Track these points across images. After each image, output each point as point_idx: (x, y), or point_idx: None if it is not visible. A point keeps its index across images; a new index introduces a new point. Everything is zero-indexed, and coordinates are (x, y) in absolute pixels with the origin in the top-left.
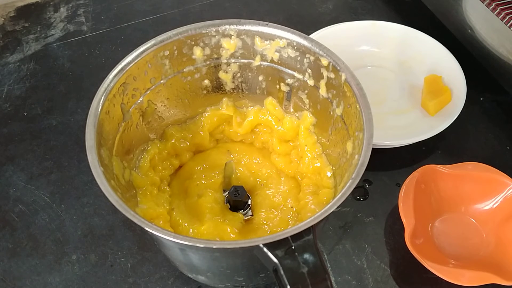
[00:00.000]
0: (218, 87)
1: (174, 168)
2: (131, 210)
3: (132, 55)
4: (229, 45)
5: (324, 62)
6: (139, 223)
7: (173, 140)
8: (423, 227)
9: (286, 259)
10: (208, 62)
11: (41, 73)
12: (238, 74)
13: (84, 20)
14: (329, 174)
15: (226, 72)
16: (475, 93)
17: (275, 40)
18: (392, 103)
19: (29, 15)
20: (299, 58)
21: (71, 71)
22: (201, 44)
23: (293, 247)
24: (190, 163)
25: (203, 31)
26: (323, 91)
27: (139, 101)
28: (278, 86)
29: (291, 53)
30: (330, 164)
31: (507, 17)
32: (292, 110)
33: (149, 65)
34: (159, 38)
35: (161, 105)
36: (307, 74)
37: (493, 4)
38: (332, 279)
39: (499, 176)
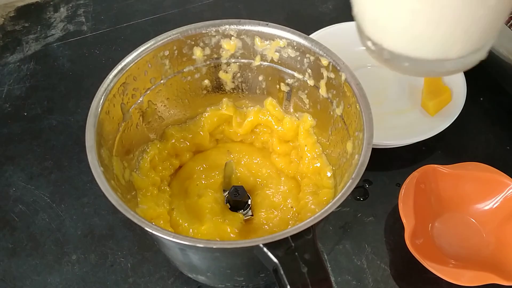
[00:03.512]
0: (218, 87)
1: (174, 168)
2: (131, 210)
3: (132, 55)
4: (229, 46)
5: (324, 62)
6: (139, 223)
7: (173, 140)
8: (423, 227)
9: (286, 259)
10: (208, 62)
11: (41, 73)
12: (238, 74)
13: (84, 20)
14: (329, 174)
15: (226, 72)
16: (475, 93)
17: (275, 40)
18: (392, 103)
19: (29, 15)
20: (299, 58)
21: (71, 71)
22: (201, 44)
23: (293, 247)
24: (190, 163)
25: (203, 31)
26: (323, 91)
27: (139, 101)
28: (278, 86)
29: (291, 53)
30: (330, 164)
31: (507, 17)
32: (292, 110)
33: (149, 65)
34: (159, 38)
35: (161, 105)
36: (307, 74)
37: None
38: (332, 279)
39: (499, 176)
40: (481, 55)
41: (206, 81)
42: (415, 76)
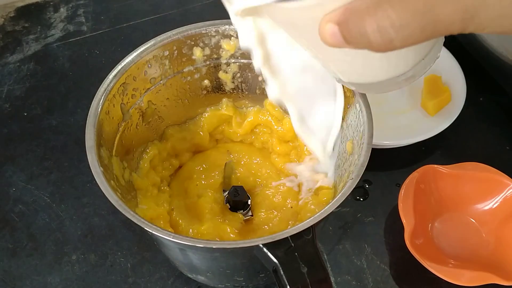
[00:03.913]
0: (218, 87)
1: (174, 168)
2: (131, 210)
3: (132, 55)
4: (229, 46)
5: None
6: (139, 223)
7: (173, 141)
8: (423, 227)
9: (286, 259)
10: (208, 62)
11: (41, 73)
12: (238, 74)
13: (84, 20)
14: (329, 174)
15: (226, 72)
16: (475, 93)
17: None
18: (392, 103)
19: (29, 15)
20: None
21: (71, 71)
22: (201, 44)
23: (293, 247)
24: (190, 163)
25: (203, 31)
26: None
27: (139, 101)
28: None
29: None
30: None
31: None
32: None
33: (149, 65)
34: (159, 38)
35: (161, 105)
36: None
37: None
38: (332, 279)
39: (499, 176)
40: (431, 59)
41: (206, 81)
42: (379, 92)
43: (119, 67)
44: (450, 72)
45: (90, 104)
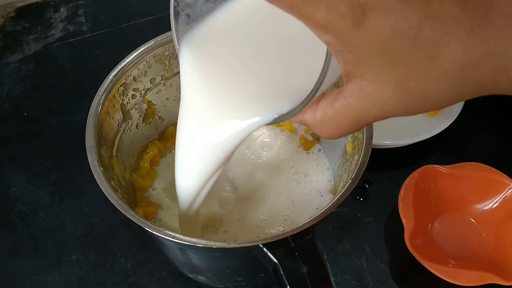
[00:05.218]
0: None
1: None
2: (131, 210)
3: (132, 55)
4: None
5: None
6: (139, 223)
7: (173, 140)
8: (422, 227)
9: (286, 259)
10: None
11: (41, 73)
12: None
13: (84, 20)
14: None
15: None
16: None
17: None
18: None
19: (29, 15)
20: None
21: (71, 71)
22: None
23: (293, 247)
24: None
25: None
26: None
27: (139, 101)
28: None
29: None
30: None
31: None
32: None
33: (149, 65)
34: (159, 38)
35: (161, 105)
36: None
37: None
38: (332, 279)
39: (499, 176)
40: None
41: None
42: None
43: (119, 67)
44: None
45: (90, 104)
